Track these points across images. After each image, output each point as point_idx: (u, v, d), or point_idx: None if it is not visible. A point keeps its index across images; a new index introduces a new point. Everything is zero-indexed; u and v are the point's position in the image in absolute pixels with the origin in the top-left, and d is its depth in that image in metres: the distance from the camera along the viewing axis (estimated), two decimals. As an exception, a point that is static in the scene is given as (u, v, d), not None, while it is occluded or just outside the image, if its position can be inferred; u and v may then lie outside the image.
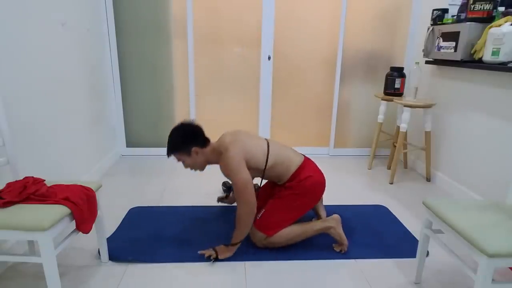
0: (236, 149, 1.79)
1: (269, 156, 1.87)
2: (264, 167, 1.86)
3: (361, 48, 3.38)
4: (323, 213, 2.18)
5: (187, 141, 1.86)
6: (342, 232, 1.92)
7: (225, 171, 1.81)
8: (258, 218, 1.89)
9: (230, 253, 1.83)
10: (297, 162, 1.93)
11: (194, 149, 1.86)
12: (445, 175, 2.83)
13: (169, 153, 1.89)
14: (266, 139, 1.97)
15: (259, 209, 2.00)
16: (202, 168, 1.95)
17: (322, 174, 1.97)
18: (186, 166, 1.93)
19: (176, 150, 1.88)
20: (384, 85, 3.13)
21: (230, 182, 2.40)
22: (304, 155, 2.02)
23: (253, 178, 1.89)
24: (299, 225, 1.91)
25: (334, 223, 1.92)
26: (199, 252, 1.83)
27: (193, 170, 1.95)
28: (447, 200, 1.53)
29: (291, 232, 1.88)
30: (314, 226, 1.91)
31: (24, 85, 1.90)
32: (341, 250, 1.92)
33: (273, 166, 1.89)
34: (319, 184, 1.93)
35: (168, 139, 1.88)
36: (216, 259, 1.80)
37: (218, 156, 1.87)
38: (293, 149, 2.03)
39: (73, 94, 2.48)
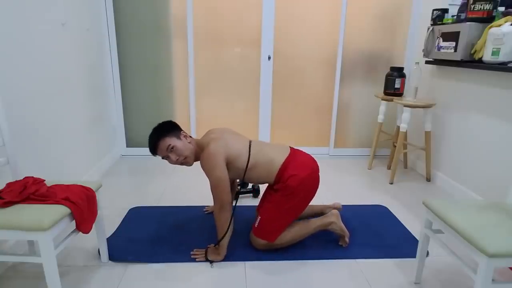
0: (218, 145, 1.77)
1: (250, 157, 1.84)
2: (245, 166, 1.83)
3: (361, 48, 3.38)
4: (327, 209, 2.16)
5: (174, 126, 1.87)
6: (343, 225, 1.95)
7: (203, 166, 1.79)
8: (256, 226, 1.88)
9: (219, 256, 1.80)
10: (279, 162, 1.83)
11: (182, 132, 1.87)
12: (445, 175, 2.83)
13: (159, 139, 1.79)
14: (249, 140, 1.93)
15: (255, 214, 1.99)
16: (191, 155, 1.85)
17: (309, 168, 1.84)
18: (176, 155, 1.81)
19: (167, 133, 1.81)
20: (384, 85, 3.12)
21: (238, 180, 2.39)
22: (290, 149, 1.92)
23: (233, 179, 1.87)
24: (299, 224, 1.90)
25: (334, 218, 1.94)
26: (192, 257, 1.82)
27: (182, 160, 1.83)
28: (447, 200, 1.53)
29: (292, 232, 1.87)
30: (314, 223, 1.92)
31: (25, 85, 1.90)
32: (342, 244, 1.95)
33: (254, 167, 1.84)
34: (307, 180, 1.81)
35: (153, 134, 1.83)
36: (207, 260, 1.80)
37: (201, 152, 1.84)
38: (277, 146, 1.94)
39: (73, 94, 2.48)
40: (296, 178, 1.79)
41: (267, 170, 1.85)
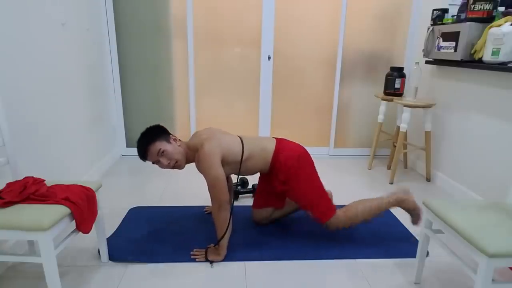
0: (212, 145, 1.78)
1: (244, 148, 1.88)
2: (240, 158, 1.86)
3: (361, 48, 3.38)
4: None
5: (163, 130, 1.87)
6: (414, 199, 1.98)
7: (199, 167, 1.80)
8: (316, 216, 1.90)
9: (219, 256, 1.81)
10: (271, 149, 1.93)
11: (171, 136, 1.87)
12: (445, 175, 2.83)
13: (149, 143, 1.78)
14: (238, 135, 1.97)
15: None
16: (183, 158, 1.85)
17: (299, 149, 1.96)
18: (167, 159, 1.81)
19: (156, 137, 1.80)
20: (384, 85, 3.13)
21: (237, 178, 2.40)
22: (275, 138, 2.01)
23: (230, 174, 1.93)
24: (364, 200, 1.97)
25: (405, 195, 1.97)
26: (192, 257, 1.83)
27: (174, 164, 1.83)
28: (447, 200, 1.53)
29: (361, 205, 1.93)
30: (384, 199, 1.96)
31: (25, 85, 1.90)
32: (416, 222, 1.98)
33: (249, 158, 1.90)
34: (302, 157, 1.92)
35: (142, 139, 1.81)
36: (207, 260, 1.80)
37: (194, 153, 1.86)
38: (264, 137, 2.04)
39: (73, 94, 2.48)
40: (292, 157, 1.90)
41: (262, 157, 1.92)
